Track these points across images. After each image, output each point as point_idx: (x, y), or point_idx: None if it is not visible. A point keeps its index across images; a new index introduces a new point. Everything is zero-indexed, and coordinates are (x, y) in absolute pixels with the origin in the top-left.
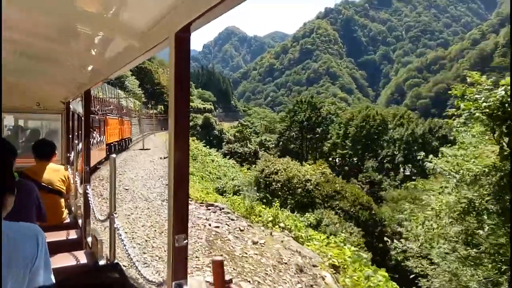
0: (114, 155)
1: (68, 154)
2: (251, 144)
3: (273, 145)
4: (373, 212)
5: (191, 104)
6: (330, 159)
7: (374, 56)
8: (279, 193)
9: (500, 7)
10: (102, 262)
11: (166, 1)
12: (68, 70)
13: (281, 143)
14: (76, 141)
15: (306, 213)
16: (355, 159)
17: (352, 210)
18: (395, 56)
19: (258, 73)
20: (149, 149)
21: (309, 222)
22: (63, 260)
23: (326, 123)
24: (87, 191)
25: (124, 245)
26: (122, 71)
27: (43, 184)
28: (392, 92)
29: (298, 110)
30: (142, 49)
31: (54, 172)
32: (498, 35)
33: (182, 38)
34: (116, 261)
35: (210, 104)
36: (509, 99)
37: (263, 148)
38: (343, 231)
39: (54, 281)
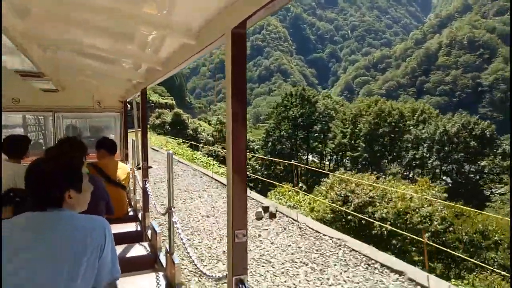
0: (171, 151)
1: (126, 151)
2: None
3: (259, 147)
4: None
5: (151, 98)
6: (333, 162)
7: (323, 54)
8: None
9: (435, 10)
10: (161, 254)
11: None
12: (126, 70)
13: (269, 143)
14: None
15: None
16: (372, 161)
17: None
18: (343, 55)
19: (208, 69)
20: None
21: None
22: (126, 251)
23: (325, 120)
24: (146, 186)
25: (181, 239)
26: (177, 69)
27: (111, 178)
28: (342, 90)
29: (288, 105)
30: (198, 47)
31: (120, 168)
32: (441, 35)
33: (239, 34)
34: (174, 253)
35: (172, 99)
36: None
37: (247, 150)
38: None
39: (120, 272)
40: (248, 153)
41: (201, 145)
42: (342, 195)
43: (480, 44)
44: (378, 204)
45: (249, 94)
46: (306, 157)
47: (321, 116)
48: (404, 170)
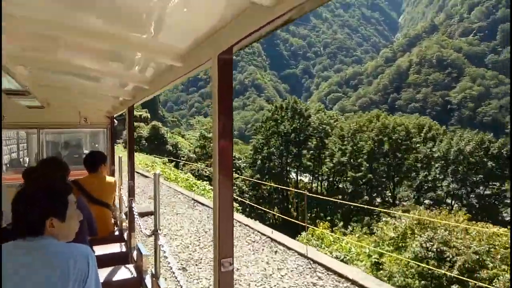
0: (158, 171)
1: (113, 167)
2: None
3: (247, 165)
4: None
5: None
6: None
7: (296, 70)
8: None
9: (402, 30)
10: (147, 277)
11: (208, 24)
12: (113, 88)
13: (258, 161)
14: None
15: None
16: (376, 184)
17: None
18: (315, 71)
19: (181, 83)
20: None
21: None
22: (111, 274)
23: (320, 135)
24: (132, 205)
25: (169, 263)
26: (165, 88)
27: (93, 196)
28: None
29: (279, 118)
30: (184, 69)
31: (106, 184)
32: (411, 53)
33: (225, 60)
34: (160, 277)
35: (146, 112)
36: None
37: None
38: None
39: None
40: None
41: (182, 162)
42: (434, 249)
43: (448, 63)
44: (489, 263)
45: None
46: (296, 177)
47: (315, 131)
48: (416, 192)
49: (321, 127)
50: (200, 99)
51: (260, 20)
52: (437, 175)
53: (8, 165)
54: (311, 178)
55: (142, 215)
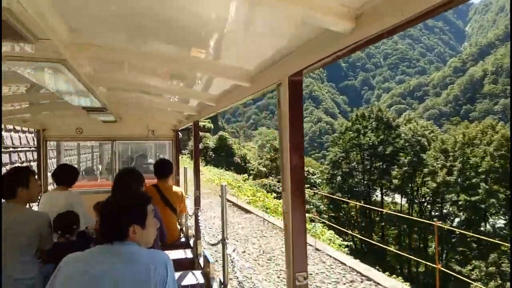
0: (225, 183)
1: (177, 177)
2: None
3: (323, 180)
4: None
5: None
6: (425, 204)
7: (355, 81)
8: None
9: (470, 39)
10: (214, 284)
11: (278, 47)
12: (178, 104)
13: (338, 177)
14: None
15: None
16: (494, 211)
17: None
18: (375, 82)
19: None
20: None
21: None
22: (179, 278)
23: (415, 149)
24: (198, 214)
25: (235, 272)
26: (231, 106)
27: (168, 200)
28: None
29: (361, 129)
30: (252, 89)
31: (173, 193)
32: (485, 62)
33: (295, 82)
34: (228, 285)
35: (209, 122)
36: None
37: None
38: None
39: None
40: (308, 188)
41: (270, 182)
42: None
43: None
44: None
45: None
46: (381, 197)
47: (408, 144)
48: None
49: (414, 140)
50: (257, 111)
51: (334, 46)
52: None
53: (83, 173)
54: (399, 199)
55: None
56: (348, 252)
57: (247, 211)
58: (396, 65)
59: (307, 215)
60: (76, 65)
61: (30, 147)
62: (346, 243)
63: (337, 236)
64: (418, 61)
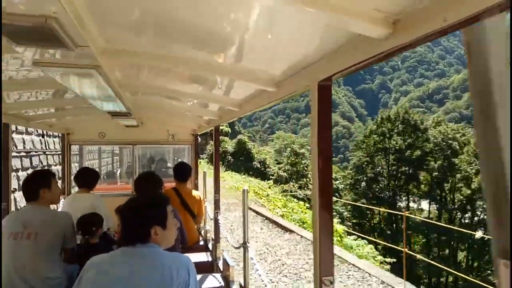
0: (246, 187)
1: (196, 181)
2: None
3: (345, 186)
4: None
5: None
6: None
7: (372, 85)
8: None
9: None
10: (234, 287)
11: (308, 52)
12: (199, 108)
13: (363, 182)
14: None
15: None
16: None
17: None
18: (393, 85)
19: None
20: None
21: None
22: (201, 281)
23: (445, 153)
24: (217, 217)
25: (259, 275)
26: (254, 111)
27: (187, 204)
28: None
29: (386, 132)
30: (279, 94)
31: (192, 197)
32: None
33: (325, 87)
34: None
35: (227, 126)
36: None
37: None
38: None
39: None
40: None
41: (271, 181)
42: None
43: None
44: None
45: (295, 124)
46: (407, 203)
47: (437, 148)
48: None
49: (444, 143)
50: (273, 115)
51: (368, 51)
52: None
53: (104, 177)
54: (426, 205)
55: None
56: (389, 268)
57: (286, 229)
58: (414, 67)
59: (342, 226)
60: (108, 71)
61: (51, 151)
62: (388, 259)
63: (375, 250)
64: (438, 64)
